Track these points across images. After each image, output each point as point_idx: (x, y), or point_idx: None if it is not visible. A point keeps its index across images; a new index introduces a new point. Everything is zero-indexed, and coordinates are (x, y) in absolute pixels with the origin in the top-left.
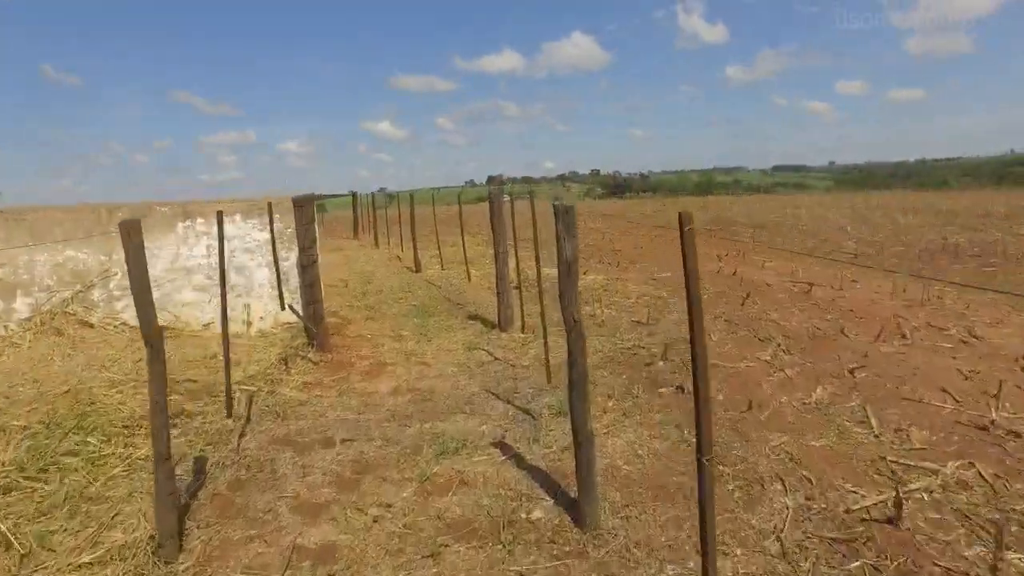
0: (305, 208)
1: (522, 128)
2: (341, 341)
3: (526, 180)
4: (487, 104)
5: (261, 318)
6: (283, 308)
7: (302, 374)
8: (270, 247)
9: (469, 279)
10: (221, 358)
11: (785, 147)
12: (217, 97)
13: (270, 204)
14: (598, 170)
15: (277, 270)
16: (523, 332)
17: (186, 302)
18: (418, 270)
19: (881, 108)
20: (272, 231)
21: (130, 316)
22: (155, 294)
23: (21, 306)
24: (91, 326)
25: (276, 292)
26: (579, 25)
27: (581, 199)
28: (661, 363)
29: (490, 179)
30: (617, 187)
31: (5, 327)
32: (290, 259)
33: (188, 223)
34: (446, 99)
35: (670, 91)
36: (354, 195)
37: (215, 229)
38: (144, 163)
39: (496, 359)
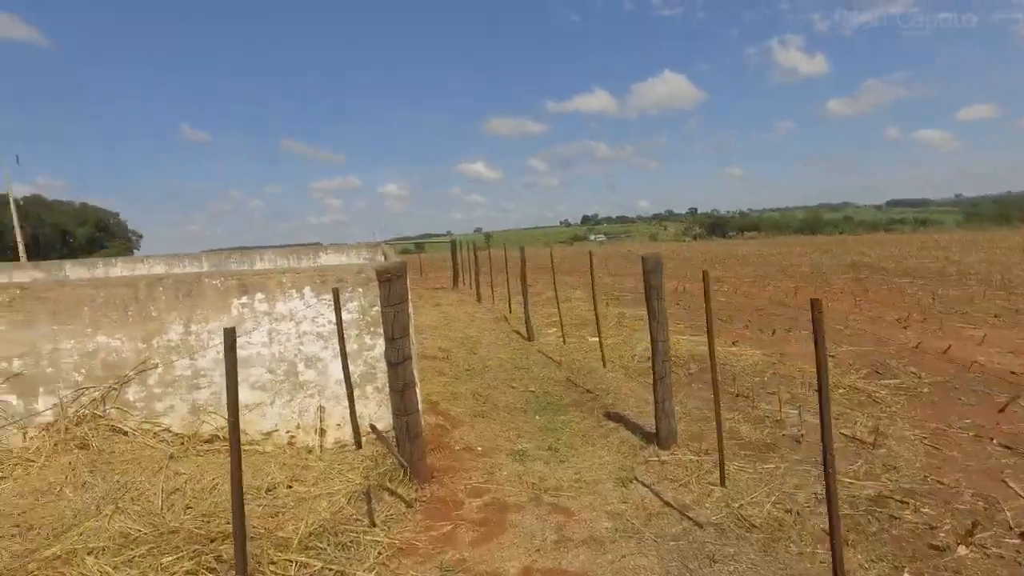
0: (394, 283)
1: (612, 168)
2: (443, 458)
3: (621, 220)
4: (578, 145)
5: (339, 425)
6: (352, 420)
7: (389, 529)
8: (356, 330)
9: (604, 362)
10: (283, 487)
11: (898, 180)
12: (325, 145)
13: (358, 270)
14: (695, 208)
15: (345, 370)
16: (694, 454)
17: (244, 404)
18: (531, 337)
19: (1012, 133)
20: (339, 317)
21: (174, 420)
22: (203, 393)
23: (44, 407)
24: (125, 433)
25: (361, 388)
26: (669, 64)
27: (680, 239)
28: (963, 550)
29: (586, 219)
30: (716, 226)
31: (24, 434)
32: (375, 348)
33: (245, 300)
34: (538, 141)
35: (766, 127)
36: (453, 242)
37: (279, 307)
38: (259, 207)
39: (667, 504)
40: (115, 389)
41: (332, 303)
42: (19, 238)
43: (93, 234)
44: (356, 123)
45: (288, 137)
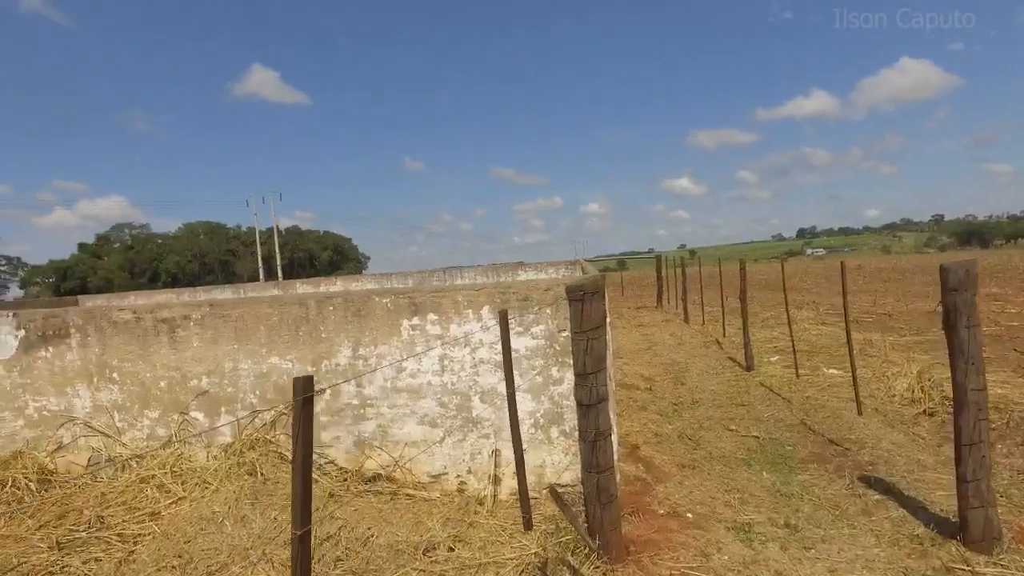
0: (589, 302)
1: (833, 175)
2: (643, 525)
3: (845, 232)
4: (791, 153)
5: (516, 473)
6: (519, 479)
7: None
8: (541, 360)
9: (859, 407)
10: (445, 547)
11: None
12: (529, 170)
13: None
14: (941, 215)
15: (512, 408)
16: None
17: (411, 440)
18: (750, 366)
19: None
20: (506, 342)
21: (339, 453)
22: (369, 425)
23: (223, 426)
24: (289, 462)
25: (545, 431)
26: (908, 50)
27: (922, 251)
28: None
29: (801, 232)
30: (972, 233)
31: (207, 452)
32: (564, 382)
33: (416, 321)
34: (746, 152)
35: None
36: (658, 258)
37: (453, 329)
38: (467, 230)
39: None
40: (284, 414)
41: (518, 327)
42: (278, 261)
43: (332, 257)
44: (558, 145)
45: (495, 165)
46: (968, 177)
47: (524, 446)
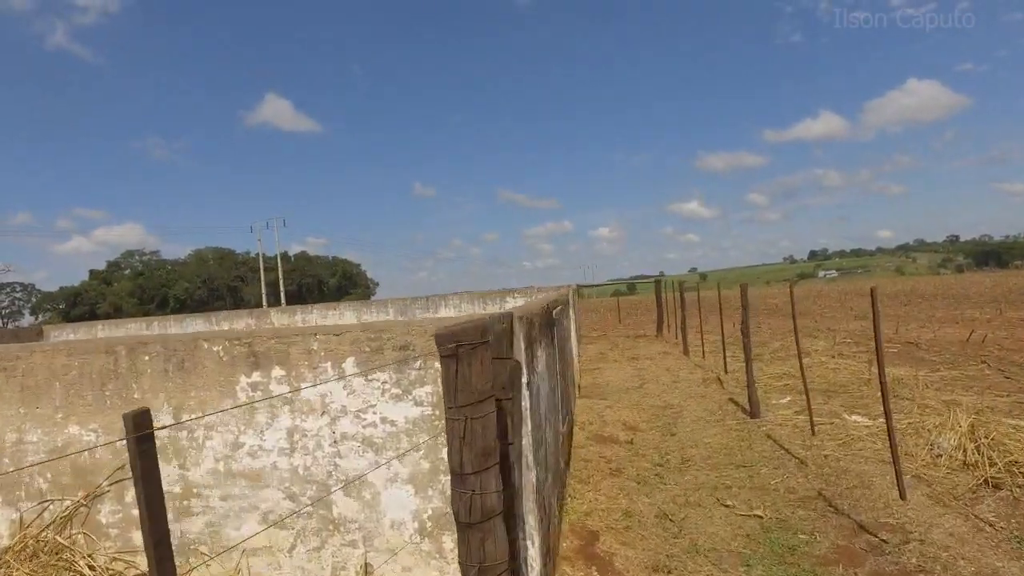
0: (468, 361)
1: (844, 197)
2: None
3: (856, 253)
4: (801, 175)
5: None
6: None
7: None
8: (428, 436)
9: (900, 484)
10: None
11: None
12: (538, 193)
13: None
14: (956, 236)
15: None
16: None
17: (251, 546)
18: (754, 412)
19: None
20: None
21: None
22: (196, 522)
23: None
24: (92, 570)
25: (434, 539)
26: (914, 71)
27: (936, 272)
28: None
29: (813, 255)
30: (988, 254)
31: None
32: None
33: (258, 378)
34: (756, 174)
35: None
36: (657, 282)
37: (305, 391)
38: (478, 255)
39: None
40: (85, 505)
41: (388, 385)
42: (282, 287)
43: (341, 283)
44: (567, 170)
45: (504, 188)
46: (980, 197)
47: (409, 554)
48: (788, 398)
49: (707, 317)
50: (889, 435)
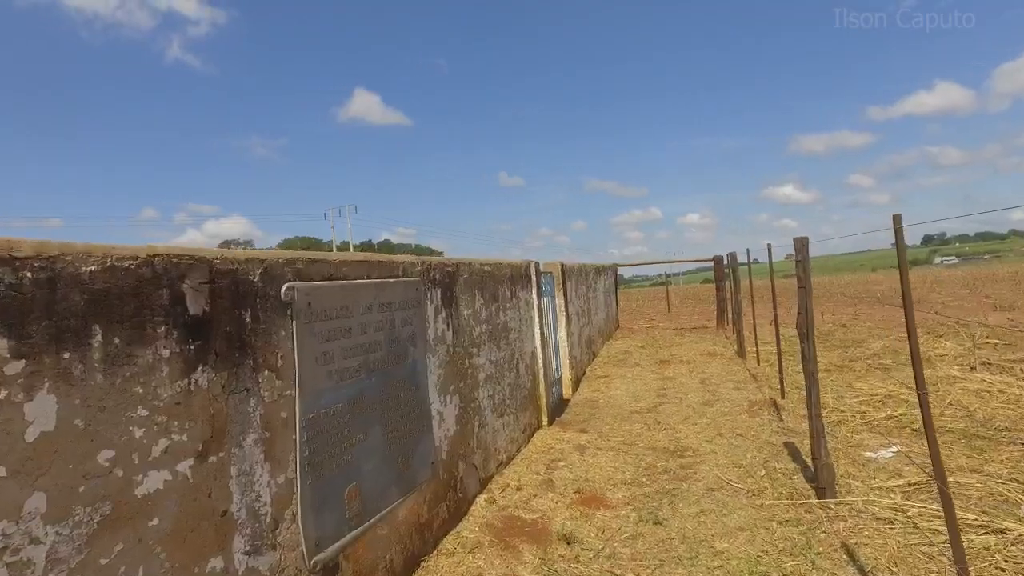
0: None
1: (965, 175)
2: None
3: (983, 237)
4: (913, 153)
5: None
6: None
7: None
8: None
9: None
10: None
11: None
12: (626, 180)
13: None
14: None
15: None
16: None
17: None
18: (822, 486)
19: None
20: None
21: None
22: None
23: None
24: None
25: None
26: None
27: None
28: None
29: (928, 239)
30: None
31: None
32: None
33: None
34: (859, 155)
35: None
36: (718, 260)
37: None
38: (565, 243)
39: None
40: None
41: None
42: None
43: None
44: (656, 157)
45: (591, 176)
46: None
47: None
48: (894, 448)
49: (779, 308)
50: None
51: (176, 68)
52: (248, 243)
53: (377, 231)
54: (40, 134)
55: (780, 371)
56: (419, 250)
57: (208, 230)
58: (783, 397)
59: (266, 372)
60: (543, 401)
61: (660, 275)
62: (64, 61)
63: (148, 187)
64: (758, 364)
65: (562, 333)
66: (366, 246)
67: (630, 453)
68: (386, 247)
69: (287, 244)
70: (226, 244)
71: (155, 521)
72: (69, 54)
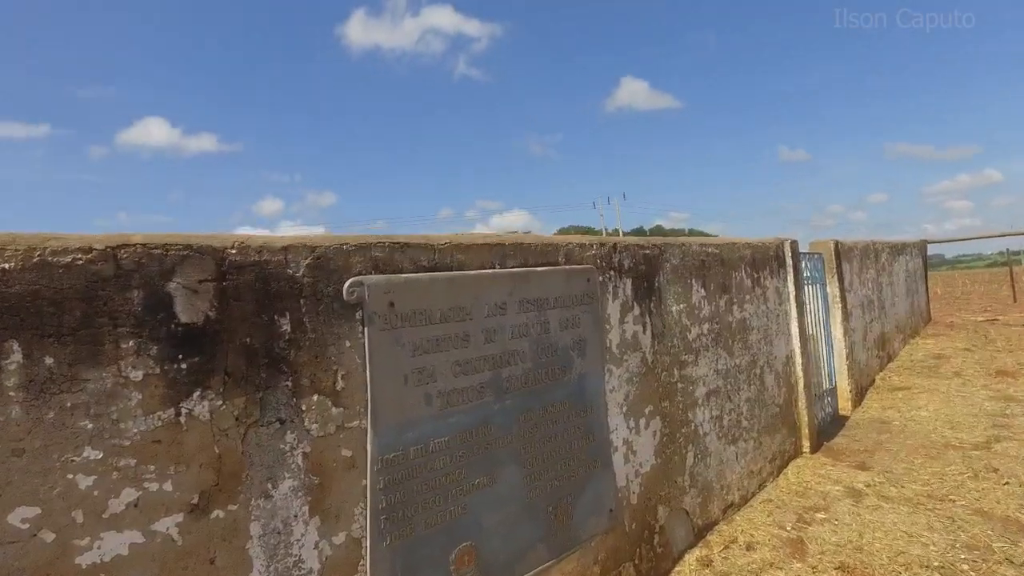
0: None
1: None
2: None
3: None
4: None
5: None
6: None
7: None
8: None
9: None
10: None
11: None
12: (941, 141)
13: None
14: None
15: None
16: None
17: None
18: None
19: None
20: None
21: None
22: None
23: None
24: None
25: None
26: None
27: None
28: None
29: None
30: None
31: None
32: None
33: None
34: None
35: None
36: None
37: None
38: (860, 219)
39: None
40: None
41: None
42: None
43: None
44: (988, 109)
45: (893, 141)
46: None
47: None
48: None
49: None
50: None
51: (463, 82)
52: (527, 232)
53: (649, 217)
54: (374, 151)
55: None
56: (692, 234)
57: (494, 224)
58: None
59: (315, 397)
60: (803, 420)
61: (1001, 252)
62: (386, 89)
63: (445, 188)
64: None
65: (836, 331)
66: (637, 232)
67: (940, 514)
68: (658, 232)
69: (562, 232)
70: None
71: None
72: (389, 83)
